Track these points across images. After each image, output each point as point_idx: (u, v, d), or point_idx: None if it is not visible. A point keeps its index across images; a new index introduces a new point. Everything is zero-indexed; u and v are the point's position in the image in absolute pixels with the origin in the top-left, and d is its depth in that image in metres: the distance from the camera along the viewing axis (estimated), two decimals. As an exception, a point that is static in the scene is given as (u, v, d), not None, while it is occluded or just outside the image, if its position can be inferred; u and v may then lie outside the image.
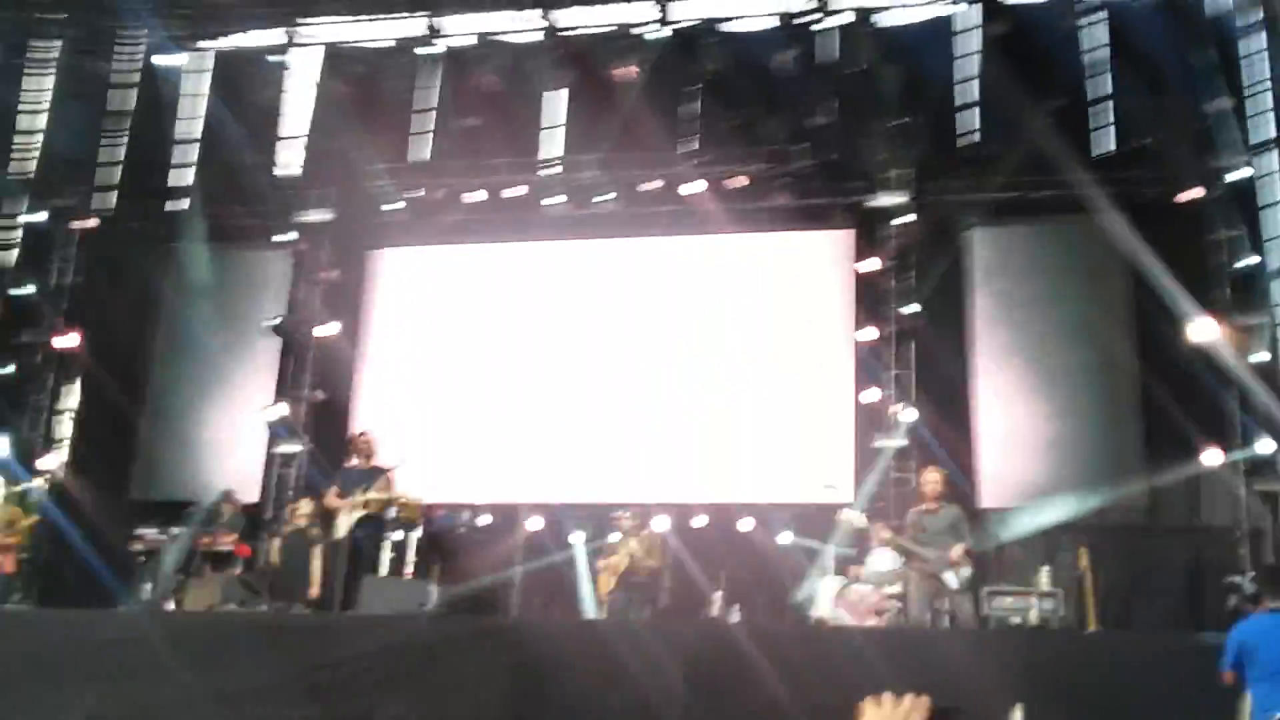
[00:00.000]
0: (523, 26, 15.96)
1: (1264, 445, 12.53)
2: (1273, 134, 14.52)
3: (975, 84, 15.32)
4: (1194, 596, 11.44)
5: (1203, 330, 12.76)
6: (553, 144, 16.57)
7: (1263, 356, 12.79)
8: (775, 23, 15.34)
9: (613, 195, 15.65)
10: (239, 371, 15.64)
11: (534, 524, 14.25)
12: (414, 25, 16.18)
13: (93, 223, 16.24)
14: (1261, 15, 14.60)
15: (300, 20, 16.25)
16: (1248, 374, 12.66)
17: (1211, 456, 12.54)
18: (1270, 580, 7.43)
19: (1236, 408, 12.87)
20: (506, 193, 15.85)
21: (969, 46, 15.46)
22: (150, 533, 11.72)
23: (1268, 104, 14.71)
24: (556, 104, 16.52)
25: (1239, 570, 11.20)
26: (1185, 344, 12.81)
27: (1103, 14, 14.77)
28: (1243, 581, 10.31)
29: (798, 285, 14.96)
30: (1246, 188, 13.76)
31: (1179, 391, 12.57)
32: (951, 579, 9.08)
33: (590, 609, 12.14)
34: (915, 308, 14.32)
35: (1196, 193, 13.75)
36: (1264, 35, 14.54)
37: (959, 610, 9.22)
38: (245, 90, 16.27)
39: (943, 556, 9.20)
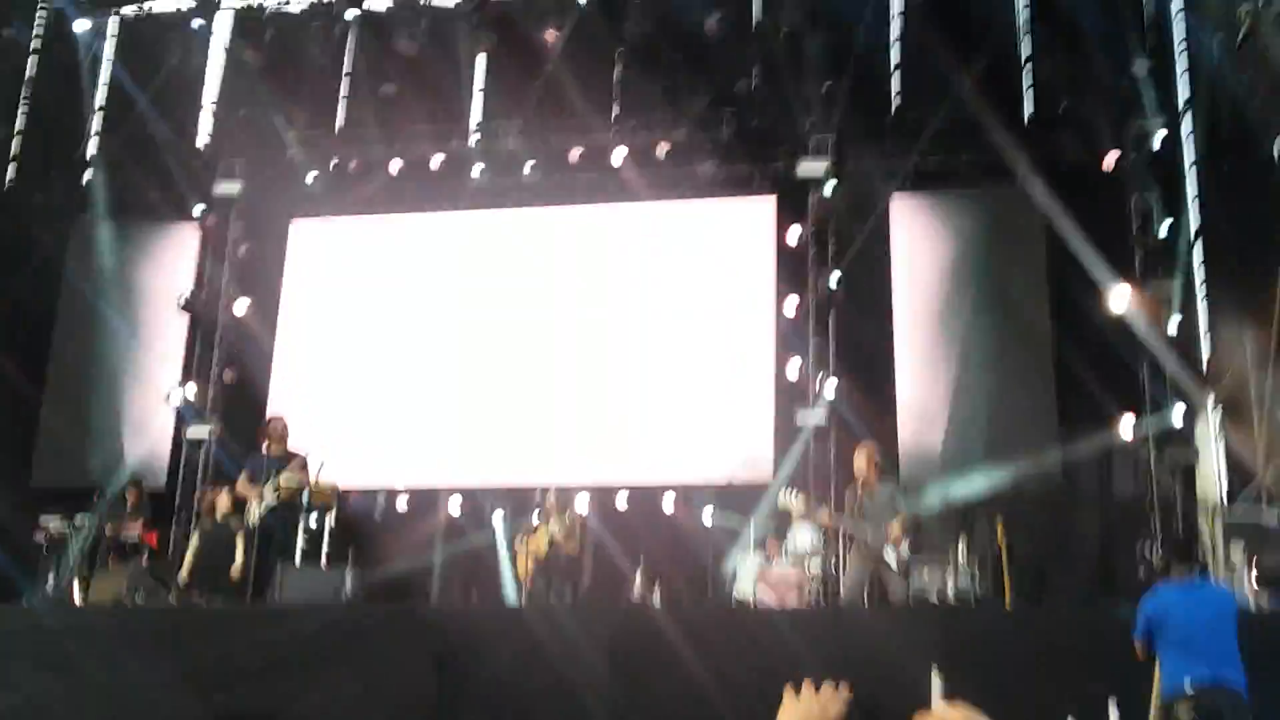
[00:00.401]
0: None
1: (1175, 415, 12.70)
2: (1188, 96, 14.72)
3: (897, 49, 15.34)
4: (1107, 567, 11.61)
5: (1118, 298, 12.87)
6: (473, 110, 16.33)
7: (1175, 323, 12.92)
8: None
9: (532, 163, 15.38)
10: (146, 351, 15.18)
11: (453, 507, 14.06)
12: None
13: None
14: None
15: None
16: (1161, 342, 12.80)
17: (1124, 427, 12.71)
18: (1178, 551, 7.49)
19: (1148, 377, 13.03)
20: (427, 162, 15.54)
21: (892, 10, 15.44)
22: (54, 521, 11.37)
23: (1184, 66, 14.90)
24: (477, 70, 16.26)
25: (1149, 541, 11.38)
26: (1101, 312, 12.91)
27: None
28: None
29: (720, 255, 14.82)
30: (1165, 152, 13.86)
31: (1094, 361, 12.69)
32: (891, 557, 9.10)
33: (511, 593, 12.01)
34: (836, 278, 14.24)
35: (1116, 156, 13.80)
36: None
37: (896, 587, 9.23)
38: (153, 57, 15.75)
39: (881, 534, 9.22)
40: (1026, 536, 10.99)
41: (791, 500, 9.81)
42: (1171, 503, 12.47)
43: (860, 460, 9.68)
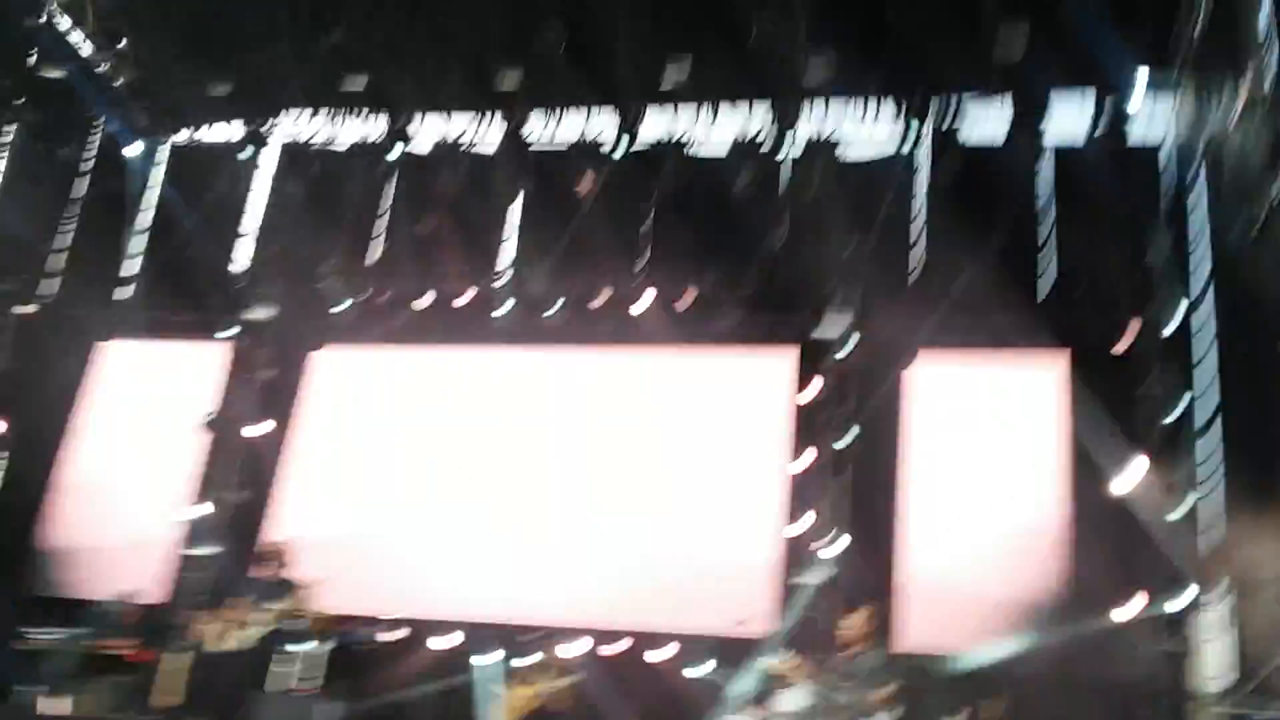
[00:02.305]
0: (484, 134, 16.18)
1: (1175, 602, 12.45)
2: (1207, 279, 14.82)
3: (917, 220, 15.65)
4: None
5: (1128, 482, 12.78)
6: (505, 251, 16.74)
7: (1182, 511, 12.79)
8: (731, 148, 15.65)
9: (557, 308, 15.66)
10: (158, 468, 15.35)
11: (443, 643, 13.86)
12: (374, 127, 16.38)
13: (32, 308, 16.10)
14: (1203, 167, 14.98)
15: (262, 117, 16.42)
16: (1167, 529, 12.65)
17: (1131, 610, 12.48)
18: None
19: (1152, 563, 12.84)
20: (455, 298, 15.87)
21: (916, 184, 15.81)
22: (44, 632, 11.38)
23: (1205, 255, 15.06)
24: (511, 212, 16.72)
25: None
26: (1108, 496, 12.81)
27: (1048, 157, 15.13)
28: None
29: (733, 411, 14.92)
30: (1180, 340, 13.91)
31: (1100, 544, 12.56)
32: None
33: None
34: (848, 440, 14.25)
35: (1133, 336, 13.85)
36: (1204, 186, 14.91)
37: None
38: (200, 185, 16.36)
39: (866, 701, 9.03)
40: (1023, 716, 10.72)
41: (778, 663, 9.68)
42: (1162, 692, 12.14)
43: (856, 622, 9.55)
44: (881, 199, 15.37)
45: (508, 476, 14.92)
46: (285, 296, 16.12)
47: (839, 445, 14.26)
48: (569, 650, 11.84)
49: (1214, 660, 12.03)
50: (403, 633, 13.91)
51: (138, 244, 16.73)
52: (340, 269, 16.11)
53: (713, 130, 15.92)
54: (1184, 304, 13.88)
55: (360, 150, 16.47)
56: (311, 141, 16.58)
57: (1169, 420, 13.42)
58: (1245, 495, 13.24)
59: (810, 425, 14.58)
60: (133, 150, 16.46)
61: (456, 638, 13.82)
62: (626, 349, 15.59)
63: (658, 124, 15.90)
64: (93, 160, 16.79)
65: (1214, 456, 13.64)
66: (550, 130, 16.10)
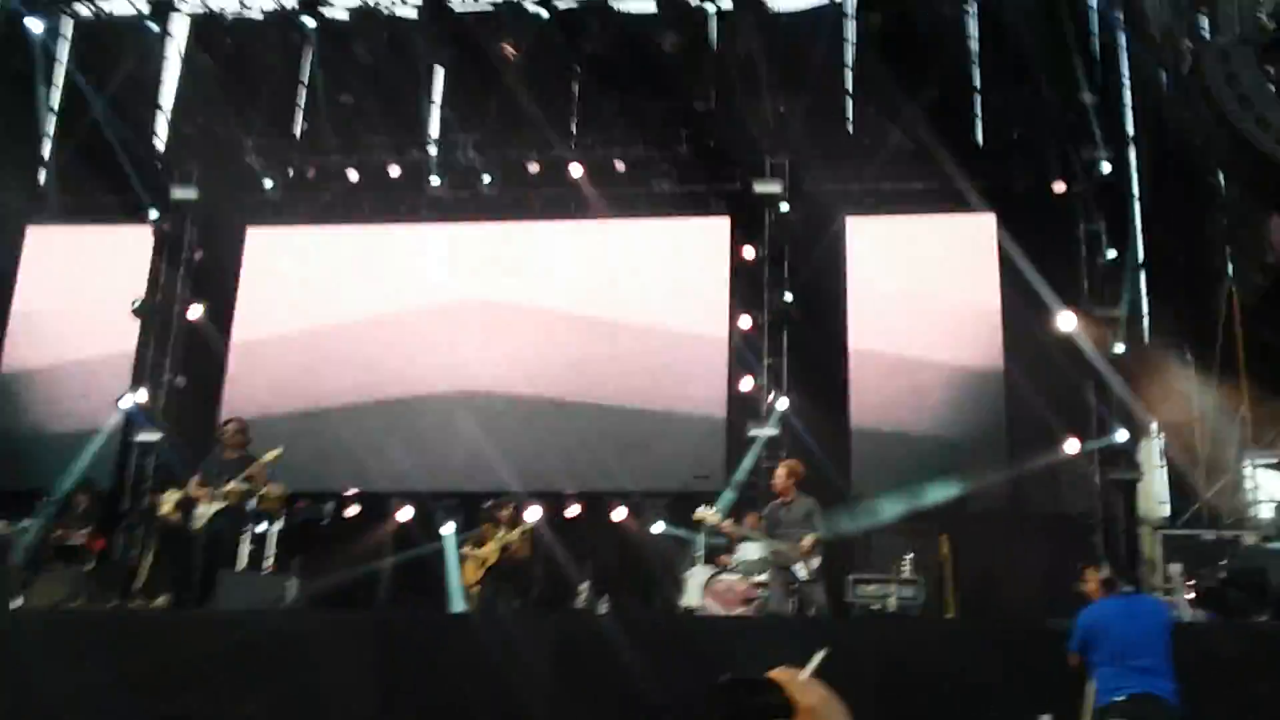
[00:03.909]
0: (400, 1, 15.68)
1: (1119, 435, 12.95)
2: (1134, 127, 15.06)
3: (850, 72, 15.57)
4: (1050, 583, 11.74)
5: (1065, 322, 13.11)
6: (431, 123, 16.37)
7: (1120, 348, 13.17)
8: (658, 5, 15.33)
9: (488, 178, 15.41)
10: (97, 355, 15.03)
11: (404, 514, 14.01)
12: (287, -3, 15.75)
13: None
14: (1123, 11, 15.06)
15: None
16: (1105, 365, 13.05)
17: (1070, 446, 12.95)
18: (1117, 567, 7.63)
19: (1094, 398, 13.27)
20: (385, 172, 15.54)
21: (847, 35, 15.68)
22: (-1, 524, 11.23)
23: (1128, 99, 15.24)
24: (435, 82, 16.31)
25: (1094, 555, 11.53)
26: (1049, 335, 13.14)
27: (973, 6, 15.08)
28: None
29: (675, 272, 14.94)
30: (1112, 181, 14.15)
31: (1041, 382, 12.93)
32: (800, 570, 9.16)
33: (457, 601, 11.97)
34: (789, 297, 14.38)
35: (1064, 184, 14.07)
36: (1125, 31, 15.02)
37: (811, 599, 9.31)
38: (108, 61, 15.66)
39: (794, 548, 9.27)
40: (973, 553, 11.12)
41: (707, 513, 9.91)
42: (1115, 519, 12.71)
43: (780, 474, 9.76)
44: (812, 52, 15.27)
45: (452, 350, 14.84)
46: (209, 175, 15.59)
47: (781, 302, 14.39)
48: (529, 514, 11.97)
49: (1157, 489, 12.61)
50: (360, 507, 13.99)
51: (50, 125, 16.02)
52: (262, 145, 15.62)
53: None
54: (1114, 147, 14.13)
55: (274, 19, 15.81)
56: (222, 12, 15.89)
57: (1103, 262, 13.76)
58: (1173, 335, 13.71)
59: (751, 285, 14.68)
60: (34, 25, 15.60)
61: (415, 509, 13.94)
62: (562, 221, 15.40)
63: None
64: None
65: (1143, 298, 14.09)
66: (471, -7, 15.61)
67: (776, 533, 9.43)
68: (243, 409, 12.62)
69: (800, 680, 1.99)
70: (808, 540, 9.20)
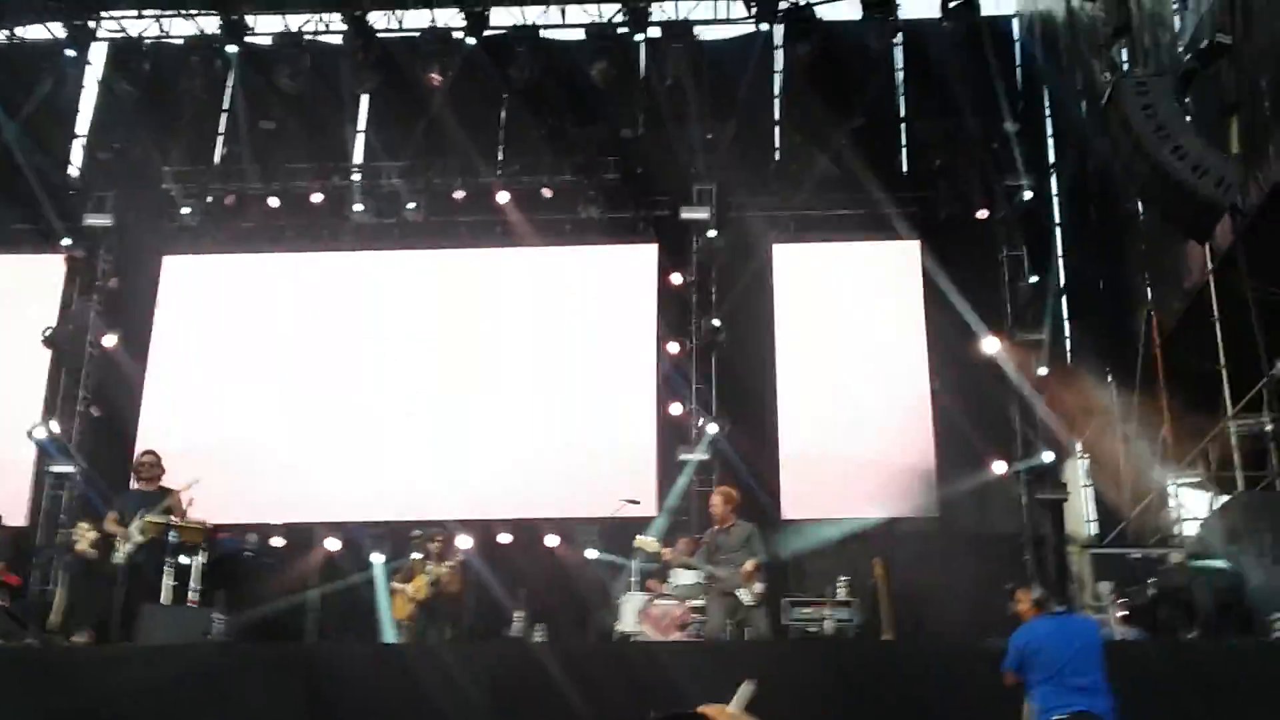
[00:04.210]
0: (325, 28, 15.55)
1: (1045, 456, 13.18)
2: (1054, 156, 15.42)
3: (778, 101, 15.74)
4: (981, 603, 11.85)
5: (989, 346, 13.34)
6: (355, 150, 16.21)
7: (1043, 371, 13.42)
8: (587, 34, 15.39)
9: (413, 205, 15.25)
10: (7, 387, 14.56)
11: (331, 544, 13.74)
12: (208, 23, 15.52)
13: None
14: (1041, 43, 15.46)
15: (86, 14, 15.35)
16: (1030, 388, 13.28)
17: (998, 467, 13.15)
18: (1049, 586, 7.72)
19: (1020, 420, 13.49)
20: (306, 198, 15.31)
21: (775, 65, 15.87)
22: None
23: (1049, 128, 15.62)
24: (360, 109, 16.16)
25: (1024, 575, 11.68)
26: (974, 359, 13.34)
27: (901, 36, 15.36)
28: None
29: (603, 299, 14.90)
30: (1034, 208, 14.45)
31: (967, 405, 13.12)
32: (745, 595, 9.13)
33: (389, 632, 11.74)
34: (717, 323, 14.42)
35: (987, 211, 14.33)
36: (1044, 63, 15.40)
37: (754, 623, 9.28)
38: (23, 85, 15.27)
39: (735, 574, 9.24)
40: (905, 574, 11.16)
41: (647, 541, 9.87)
42: (1044, 539, 12.92)
43: (716, 500, 9.74)
44: (739, 80, 15.41)
45: (378, 378, 14.61)
46: (125, 203, 15.20)
47: (709, 328, 14.42)
48: (460, 543, 11.82)
49: (1085, 508, 12.82)
50: (285, 538, 13.68)
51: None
52: (181, 173, 15.31)
53: (565, 14, 15.64)
54: (1035, 175, 14.44)
55: (196, 45, 15.56)
56: (142, 37, 15.61)
57: (1025, 287, 14.01)
58: (1094, 358, 14.02)
59: (680, 311, 14.71)
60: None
61: (343, 539, 13.69)
62: (488, 248, 15.30)
63: (506, 11, 15.48)
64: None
65: (1065, 322, 14.39)
66: (397, 20, 15.53)
67: (716, 558, 9.38)
68: (159, 440, 12.26)
69: (730, 713, 1.99)
70: (749, 565, 9.18)
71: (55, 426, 14.28)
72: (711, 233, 14.83)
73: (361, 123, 16.28)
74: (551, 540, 13.75)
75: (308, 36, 15.45)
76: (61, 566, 10.60)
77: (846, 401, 13.92)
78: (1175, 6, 11.99)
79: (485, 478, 13.88)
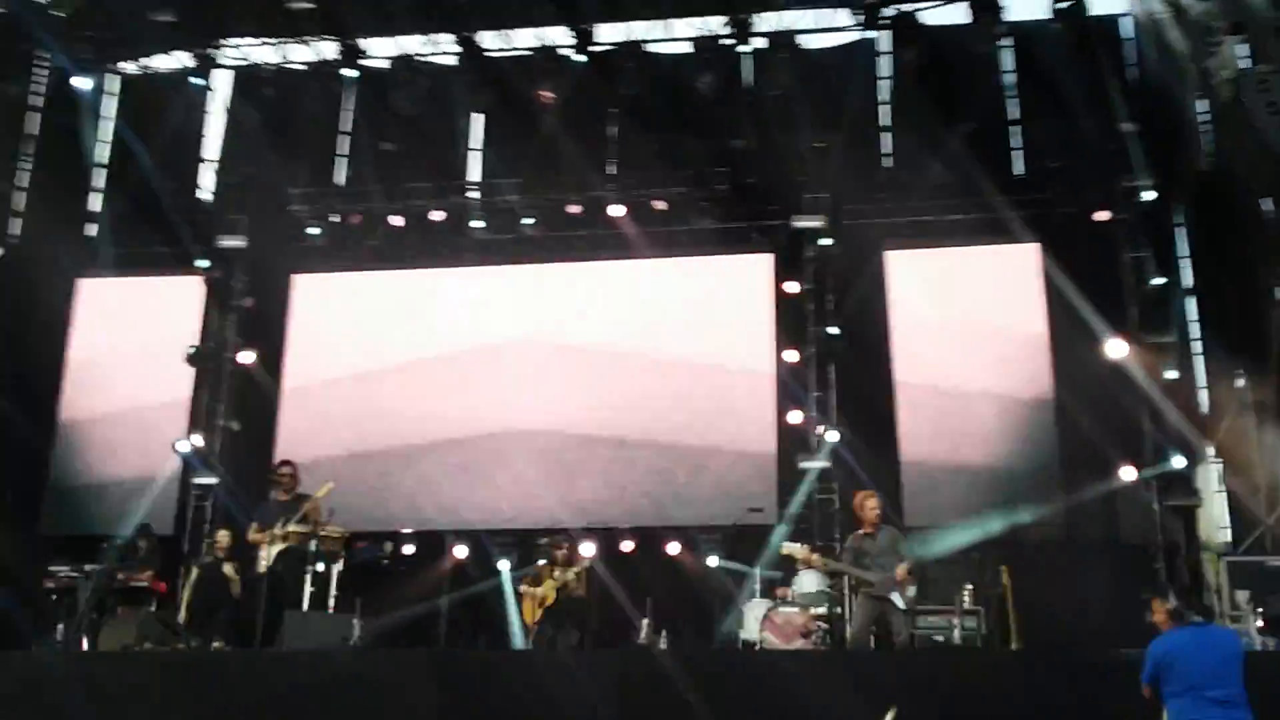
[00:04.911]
0: (436, 49, 15.94)
1: (1177, 461, 12.86)
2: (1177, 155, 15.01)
3: (886, 108, 15.66)
4: (1114, 612, 11.64)
5: (1115, 350, 13.07)
6: (472, 168, 16.58)
7: (1172, 374, 13.11)
8: (693, 46, 15.52)
9: (532, 220, 15.56)
10: (152, 402, 15.26)
11: (460, 552, 14.05)
12: (327, 48, 16.03)
13: (-1, 252, 15.78)
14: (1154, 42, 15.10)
15: (210, 43, 16.00)
16: (1159, 392, 12.99)
17: (1126, 474, 12.87)
18: (1185, 596, 7.56)
19: (1149, 425, 13.20)
20: (427, 217, 15.72)
21: (884, 71, 15.80)
22: (64, 570, 11.34)
23: (1166, 128, 15.21)
24: (475, 128, 16.53)
25: (1156, 584, 11.45)
26: (1099, 363, 13.10)
27: (1011, 39, 15.17)
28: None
29: (720, 308, 15.03)
30: (1155, 208, 14.13)
31: (1093, 410, 12.88)
32: (899, 599, 9.14)
33: (517, 638, 12.01)
34: (834, 330, 14.42)
35: (1107, 212, 14.07)
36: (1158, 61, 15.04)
37: (901, 629, 9.25)
38: (154, 116, 15.99)
39: (888, 578, 9.25)
40: (1033, 582, 11.03)
41: (794, 548, 9.89)
42: (1176, 547, 12.61)
43: (871, 503, 9.70)
44: (847, 88, 15.38)
45: (503, 390, 14.96)
46: (256, 224, 15.79)
47: (826, 336, 14.43)
48: (582, 551, 12.04)
49: (1217, 514, 12.48)
50: (417, 546, 14.09)
51: (99, 178, 16.36)
52: (307, 194, 15.86)
53: (671, 29, 15.78)
54: (1155, 174, 14.11)
55: (315, 71, 16.13)
56: (264, 64, 16.22)
57: (1150, 289, 13.71)
58: (1225, 361, 13.63)
59: (796, 319, 14.72)
60: (82, 83, 15.95)
61: (471, 547, 14.04)
62: (604, 261, 15.54)
63: (613, 27, 15.69)
64: (42, 96, 16.29)
65: (1194, 323, 14.02)
66: (506, 39, 15.86)
67: (863, 563, 9.41)
68: (295, 452, 12.74)
69: None
70: (902, 568, 9.20)
71: (198, 440, 14.92)
72: (825, 240, 14.82)
73: (476, 141, 16.60)
74: (673, 548, 13.88)
75: (421, 58, 15.85)
76: (198, 569, 11.07)
77: (966, 407, 13.80)
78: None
79: (607, 487, 14.16)
